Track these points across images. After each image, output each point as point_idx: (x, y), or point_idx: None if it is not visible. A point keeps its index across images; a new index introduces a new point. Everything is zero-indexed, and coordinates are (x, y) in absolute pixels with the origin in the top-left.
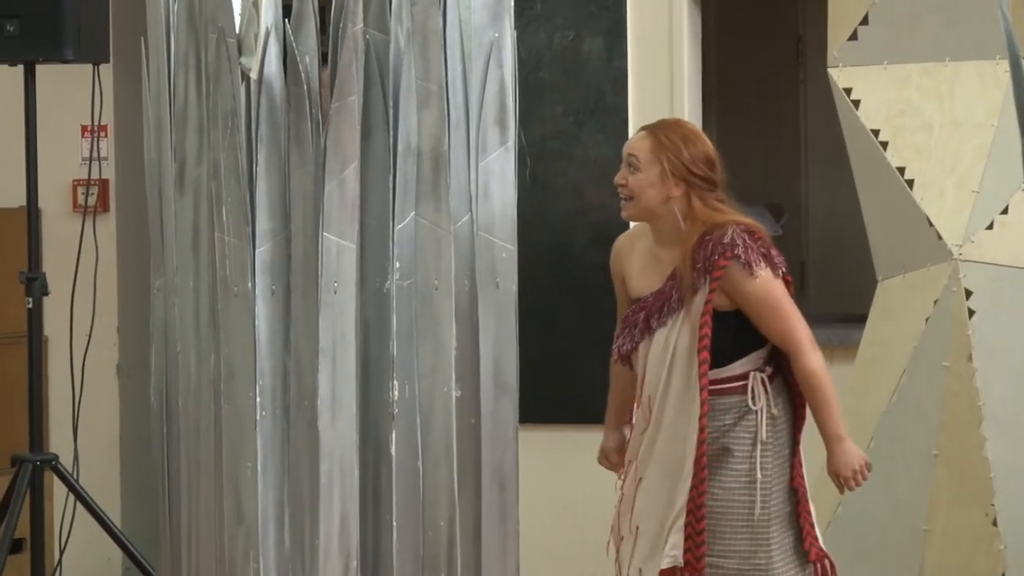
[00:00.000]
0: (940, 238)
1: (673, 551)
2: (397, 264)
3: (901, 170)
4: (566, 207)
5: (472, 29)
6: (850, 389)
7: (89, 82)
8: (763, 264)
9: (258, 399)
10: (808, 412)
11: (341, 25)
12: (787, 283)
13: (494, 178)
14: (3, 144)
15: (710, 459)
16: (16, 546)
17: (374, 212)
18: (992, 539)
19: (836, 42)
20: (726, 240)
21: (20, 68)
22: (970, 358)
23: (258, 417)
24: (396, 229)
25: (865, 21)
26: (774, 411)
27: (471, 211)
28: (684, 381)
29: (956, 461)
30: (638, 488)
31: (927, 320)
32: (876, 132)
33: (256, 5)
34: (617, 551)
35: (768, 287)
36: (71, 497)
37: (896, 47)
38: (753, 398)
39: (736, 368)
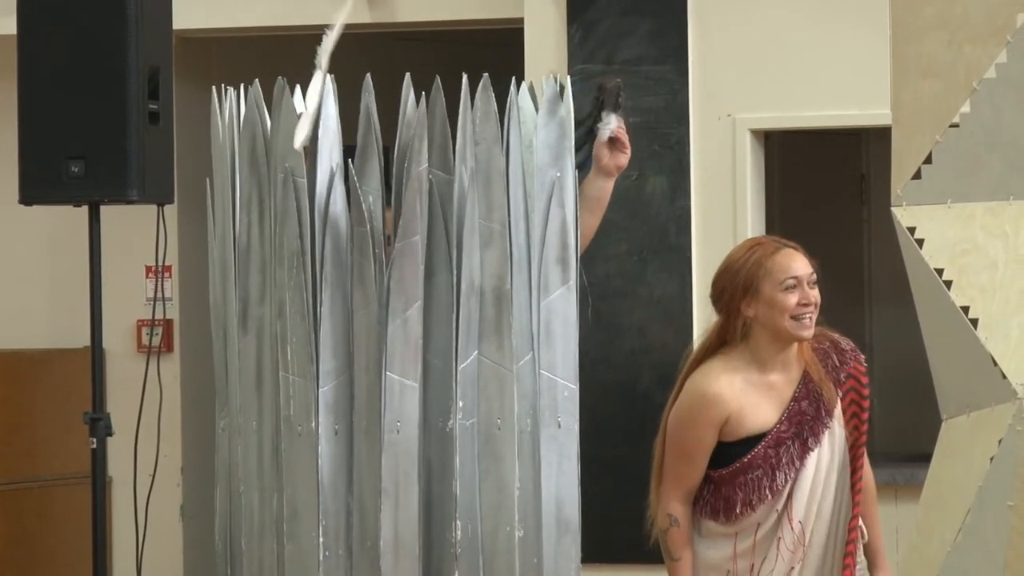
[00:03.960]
0: (1004, 377)
1: None
2: (460, 403)
3: (965, 309)
4: (630, 346)
5: (534, 169)
6: (916, 528)
7: (154, 222)
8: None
9: (321, 539)
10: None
11: (406, 165)
12: None
13: (556, 317)
14: (70, 285)
15: None
16: None
17: (437, 351)
18: None
19: (900, 180)
20: (840, 340)
21: (85, 208)
22: None
23: (321, 557)
24: (459, 368)
25: (929, 160)
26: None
27: (533, 350)
28: (840, 503)
29: None
30: None
31: (992, 459)
32: (940, 271)
33: (318, 144)
34: None
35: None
36: None
37: (960, 185)
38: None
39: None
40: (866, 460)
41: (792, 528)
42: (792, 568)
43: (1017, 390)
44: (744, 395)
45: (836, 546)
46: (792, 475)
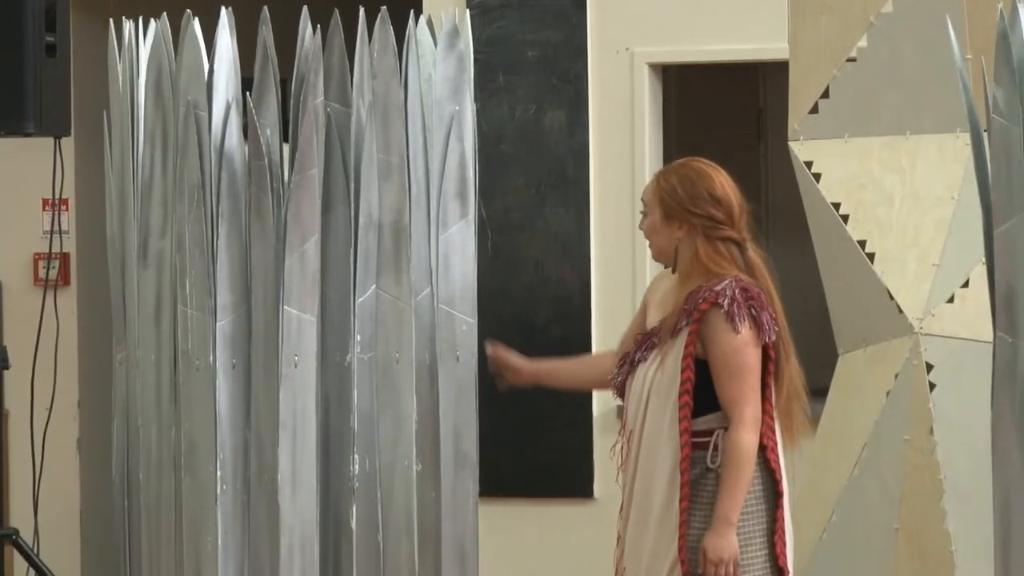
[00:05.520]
0: (901, 312)
1: None
2: (358, 337)
3: (862, 243)
4: (528, 280)
5: (433, 102)
6: (812, 462)
7: (50, 155)
8: (747, 324)
9: (219, 473)
10: (785, 486)
11: (302, 98)
12: (769, 354)
13: (455, 251)
14: None
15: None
16: None
17: (335, 285)
18: None
19: (797, 115)
20: (717, 288)
21: None
22: (931, 431)
23: (219, 491)
24: (357, 302)
25: (826, 94)
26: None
27: (431, 284)
28: (656, 422)
29: (917, 535)
30: (626, 528)
31: (888, 394)
32: (837, 205)
33: (214, 78)
34: None
35: (741, 349)
36: (31, 571)
37: (857, 120)
38: (712, 457)
39: (701, 424)
40: (742, 434)
41: (624, 433)
42: (625, 462)
43: (913, 324)
44: (660, 293)
45: (655, 477)
46: (620, 377)
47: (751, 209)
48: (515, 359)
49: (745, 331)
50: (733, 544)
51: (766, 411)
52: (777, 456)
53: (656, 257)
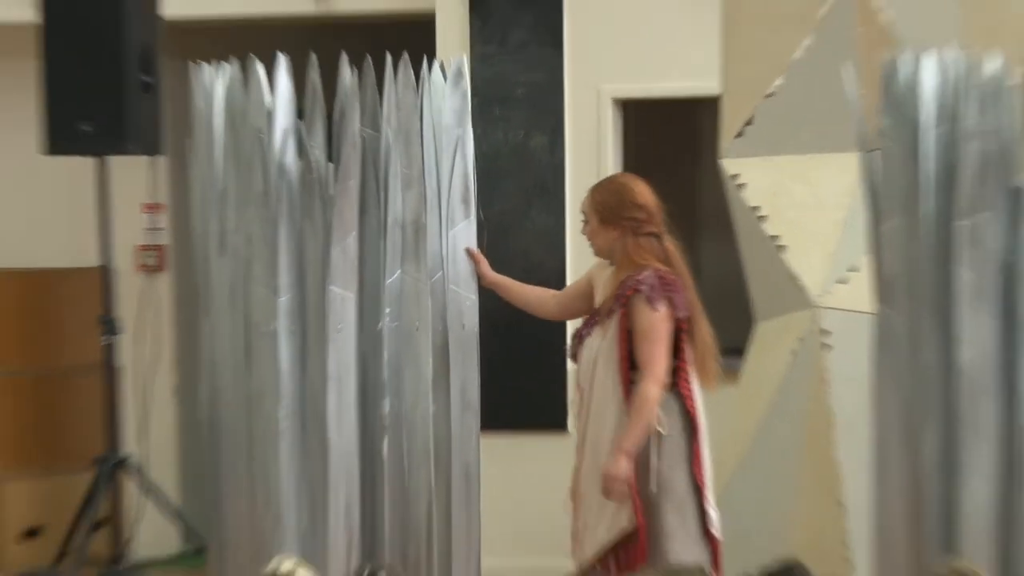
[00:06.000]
0: (804, 290)
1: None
2: (387, 310)
3: (775, 238)
4: (518, 267)
5: (442, 129)
6: (735, 407)
7: (148, 170)
8: (662, 304)
9: (281, 414)
10: (703, 423)
11: (343, 126)
12: (681, 326)
13: (460, 244)
14: (87, 219)
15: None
16: (99, 525)
17: (369, 269)
18: (839, 519)
19: (727, 138)
20: (639, 277)
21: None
22: (826, 382)
23: (281, 428)
24: (386, 283)
25: (750, 122)
26: (660, 416)
27: (443, 269)
28: (602, 379)
29: (815, 461)
30: (582, 462)
31: (794, 353)
32: (757, 209)
33: (274, 110)
34: (573, 514)
35: (656, 323)
36: (143, 490)
37: (774, 143)
38: None
39: (635, 377)
40: (649, 385)
41: (579, 389)
42: (580, 411)
43: (814, 299)
44: (603, 280)
45: (606, 423)
46: (574, 346)
47: (670, 209)
48: (483, 267)
49: (662, 310)
50: (623, 467)
51: (683, 368)
52: (693, 402)
53: (597, 254)
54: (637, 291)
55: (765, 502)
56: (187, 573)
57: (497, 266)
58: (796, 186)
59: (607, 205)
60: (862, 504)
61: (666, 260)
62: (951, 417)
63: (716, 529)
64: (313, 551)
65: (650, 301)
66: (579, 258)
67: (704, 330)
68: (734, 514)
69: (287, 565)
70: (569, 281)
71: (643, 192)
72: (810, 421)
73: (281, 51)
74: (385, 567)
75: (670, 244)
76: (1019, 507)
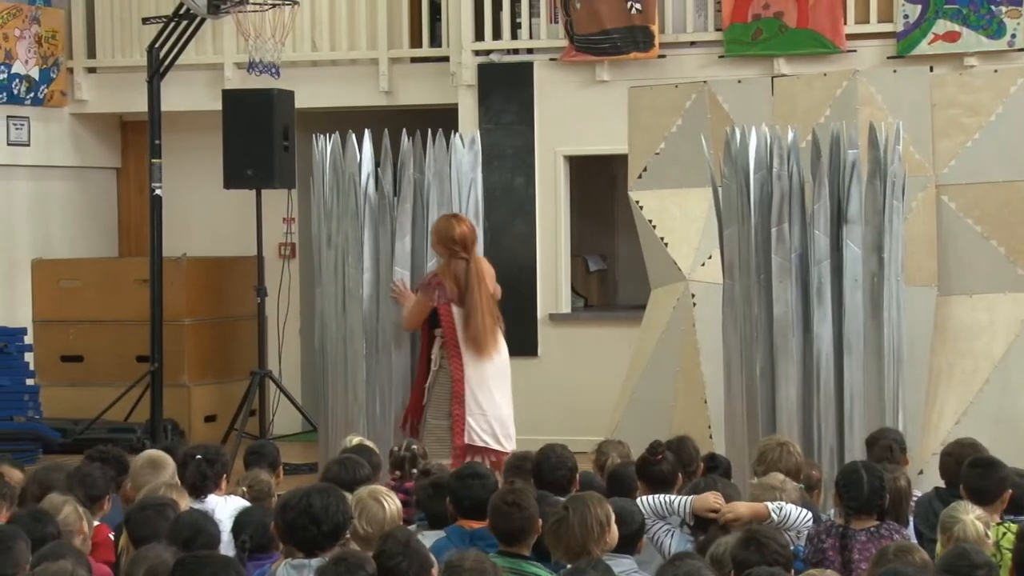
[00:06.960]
0: (679, 269)
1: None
2: None
3: (662, 238)
4: (507, 263)
5: (462, 174)
6: (636, 342)
7: (287, 198)
8: (422, 292)
9: (364, 343)
10: (468, 390)
11: (402, 172)
12: (438, 310)
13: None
14: (247, 226)
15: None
16: (252, 414)
17: (418, 257)
18: (703, 412)
19: (633, 178)
20: (427, 277)
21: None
22: (694, 327)
23: (364, 353)
24: (427, 266)
25: (647, 168)
26: (438, 353)
27: None
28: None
29: (687, 376)
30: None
31: (673, 308)
32: (651, 220)
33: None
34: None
35: (418, 301)
36: (279, 394)
37: (662, 180)
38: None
39: (437, 332)
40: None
41: None
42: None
43: (686, 274)
44: None
45: None
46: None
47: (597, 222)
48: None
49: (420, 295)
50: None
51: (453, 344)
52: (462, 374)
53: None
54: (426, 283)
55: (658, 403)
56: (304, 445)
57: (496, 261)
58: (673, 207)
59: (439, 236)
60: (718, 402)
61: (466, 273)
62: (770, 347)
63: (462, 439)
64: (380, 433)
65: (423, 289)
66: (544, 259)
67: (478, 319)
68: (639, 413)
69: (356, 439)
70: (539, 273)
71: (460, 227)
72: (686, 352)
73: (367, 127)
74: (419, 446)
75: (473, 263)
76: (813, 403)
